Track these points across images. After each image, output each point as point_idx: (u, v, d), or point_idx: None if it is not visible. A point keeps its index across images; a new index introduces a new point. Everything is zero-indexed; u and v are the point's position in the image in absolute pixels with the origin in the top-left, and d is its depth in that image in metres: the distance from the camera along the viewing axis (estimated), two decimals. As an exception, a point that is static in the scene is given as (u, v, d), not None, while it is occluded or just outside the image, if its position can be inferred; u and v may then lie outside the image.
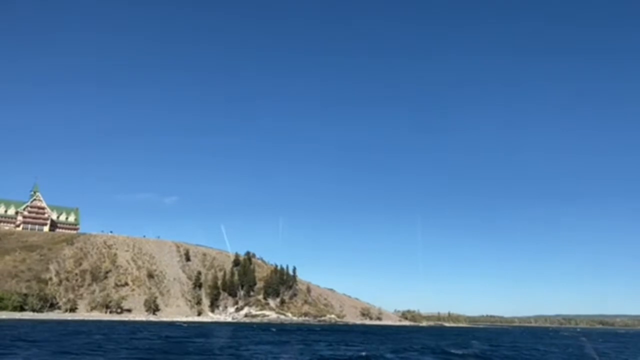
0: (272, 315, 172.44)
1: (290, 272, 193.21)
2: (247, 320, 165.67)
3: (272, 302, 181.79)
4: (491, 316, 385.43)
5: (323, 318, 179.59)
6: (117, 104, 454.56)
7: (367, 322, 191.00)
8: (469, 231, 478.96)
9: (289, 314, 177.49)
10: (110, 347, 41.61)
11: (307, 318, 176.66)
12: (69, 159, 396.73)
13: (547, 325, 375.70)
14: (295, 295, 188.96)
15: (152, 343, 47.80)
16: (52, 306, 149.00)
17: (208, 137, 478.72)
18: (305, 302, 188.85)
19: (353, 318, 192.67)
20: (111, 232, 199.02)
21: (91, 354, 35.10)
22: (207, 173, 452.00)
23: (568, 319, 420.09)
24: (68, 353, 35.21)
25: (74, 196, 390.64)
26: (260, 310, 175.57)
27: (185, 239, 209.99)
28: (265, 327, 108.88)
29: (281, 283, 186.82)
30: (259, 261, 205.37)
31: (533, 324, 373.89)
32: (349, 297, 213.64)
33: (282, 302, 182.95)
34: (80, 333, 62.21)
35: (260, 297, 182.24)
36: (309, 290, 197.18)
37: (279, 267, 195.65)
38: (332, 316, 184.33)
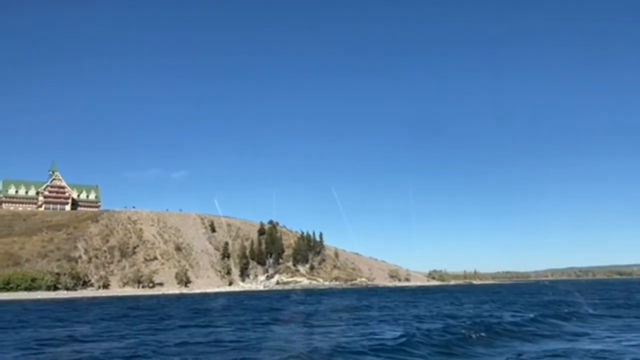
0: (303, 281, 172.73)
1: (317, 238, 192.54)
2: (279, 287, 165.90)
3: (301, 269, 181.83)
4: (507, 272, 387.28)
5: (354, 281, 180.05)
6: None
7: (397, 283, 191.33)
8: (474, 188, 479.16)
9: (320, 279, 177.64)
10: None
11: (338, 282, 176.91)
12: (76, 138, 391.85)
13: (565, 278, 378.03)
14: (323, 260, 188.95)
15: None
16: (85, 284, 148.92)
17: (209, 105, 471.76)
18: (334, 266, 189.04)
19: (382, 280, 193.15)
20: (134, 207, 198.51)
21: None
22: (213, 144, 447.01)
23: (585, 271, 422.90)
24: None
25: (83, 175, 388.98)
26: (291, 276, 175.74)
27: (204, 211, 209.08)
28: (310, 292, 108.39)
29: (309, 249, 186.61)
30: (284, 229, 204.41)
31: (550, 278, 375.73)
32: (376, 259, 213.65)
33: (312, 267, 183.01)
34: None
35: (290, 264, 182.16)
36: (336, 255, 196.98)
37: (305, 234, 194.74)
38: (363, 279, 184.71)
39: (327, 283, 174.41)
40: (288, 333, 27.33)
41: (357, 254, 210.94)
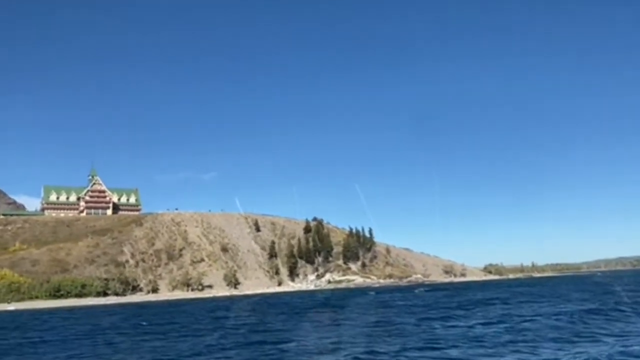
0: (357, 279, 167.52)
1: (367, 234, 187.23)
2: (330, 286, 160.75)
3: (353, 266, 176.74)
4: (558, 264, 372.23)
5: (409, 278, 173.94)
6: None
7: (454, 279, 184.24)
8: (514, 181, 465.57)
9: (373, 277, 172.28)
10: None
11: (392, 280, 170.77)
12: (110, 141, 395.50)
13: (620, 267, 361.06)
14: (375, 257, 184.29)
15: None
16: (134, 289, 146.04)
17: (221, 106, 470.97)
18: (387, 263, 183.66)
19: (437, 276, 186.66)
20: (177, 209, 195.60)
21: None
22: (240, 143, 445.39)
23: (638, 260, 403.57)
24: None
25: (117, 178, 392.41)
26: (343, 275, 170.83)
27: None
28: (383, 290, 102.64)
29: (359, 246, 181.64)
30: (330, 226, 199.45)
31: (603, 269, 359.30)
32: (428, 255, 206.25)
33: (364, 265, 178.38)
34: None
35: (340, 261, 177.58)
36: (388, 251, 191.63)
37: (354, 230, 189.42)
38: (418, 276, 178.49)
39: (381, 281, 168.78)
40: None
41: (407, 249, 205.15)
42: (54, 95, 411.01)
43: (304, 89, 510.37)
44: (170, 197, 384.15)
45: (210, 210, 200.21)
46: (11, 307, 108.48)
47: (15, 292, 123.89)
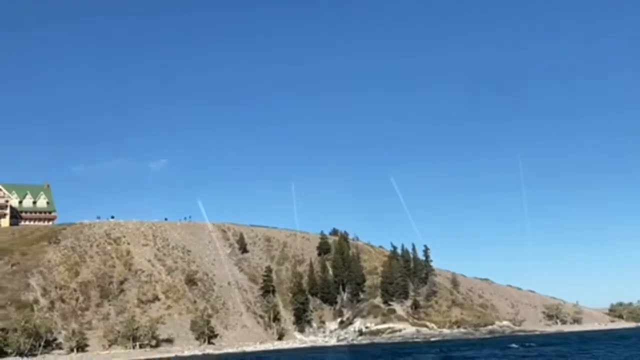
0: (406, 329, 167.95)
1: (420, 256, 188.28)
2: (363, 339, 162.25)
3: (398, 308, 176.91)
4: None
5: (490, 327, 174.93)
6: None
7: (562, 328, 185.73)
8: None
9: (432, 324, 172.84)
10: None
11: (462, 330, 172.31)
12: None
13: None
14: (434, 293, 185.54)
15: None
16: (48, 345, 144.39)
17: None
18: (453, 302, 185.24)
19: (534, 323, 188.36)
20: (112, 217, 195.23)
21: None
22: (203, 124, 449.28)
23: None
24: None
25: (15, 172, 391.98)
26: (383, 322, 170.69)
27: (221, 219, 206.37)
28: (448, 344, 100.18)
29: (409, 275, 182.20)
30: (359, 243, 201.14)
31: None
32: (519, 289, 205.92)
33: (416, 306, 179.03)
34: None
35: (378, 300, 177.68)
36: (455, 283, 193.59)
37: (396, 250, 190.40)
38: (504, 323, 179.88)
39: (444, 330, 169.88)
40: None
41: (486, 280, 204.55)
42: None
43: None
44: (97, 198, 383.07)
45: (166, 219, 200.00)
46: None
47: None
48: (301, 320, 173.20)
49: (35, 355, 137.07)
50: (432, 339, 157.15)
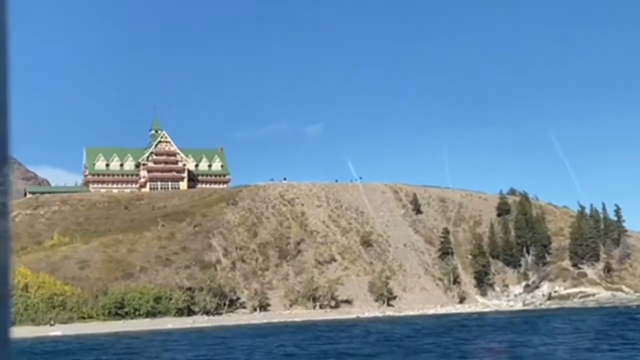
0: (599, 293, 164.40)
1: (611, 216, 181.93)
2: (552, 304, 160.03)
3: (589, 271, 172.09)
4: None
5: None
6: None
7: None
8: None
9: (627, 288, 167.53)
10: None
11: None
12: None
13: None
14: (627, 255, 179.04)
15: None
16: (232, 304, 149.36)
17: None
18: None
19: None
20: (285, 179, 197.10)
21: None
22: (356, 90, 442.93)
23: None
24: None
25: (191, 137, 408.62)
26: (573, 285, 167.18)
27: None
28: None
29: (599, 236, 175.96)
30: (542, 203, 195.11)
31: None
32: None
33: (608, 269, 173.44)
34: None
35: (566, 262, 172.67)
36: None
37: (584, 211, 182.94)
38: None
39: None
40: None
41: None
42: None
43: None
44: (258, 162, 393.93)
45: (337, 181, 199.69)
46: (56, 331, 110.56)
47: (59, 308, 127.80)
48: (483, 283, 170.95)
49: (220, 314, 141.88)
50: (630, 303, 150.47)
